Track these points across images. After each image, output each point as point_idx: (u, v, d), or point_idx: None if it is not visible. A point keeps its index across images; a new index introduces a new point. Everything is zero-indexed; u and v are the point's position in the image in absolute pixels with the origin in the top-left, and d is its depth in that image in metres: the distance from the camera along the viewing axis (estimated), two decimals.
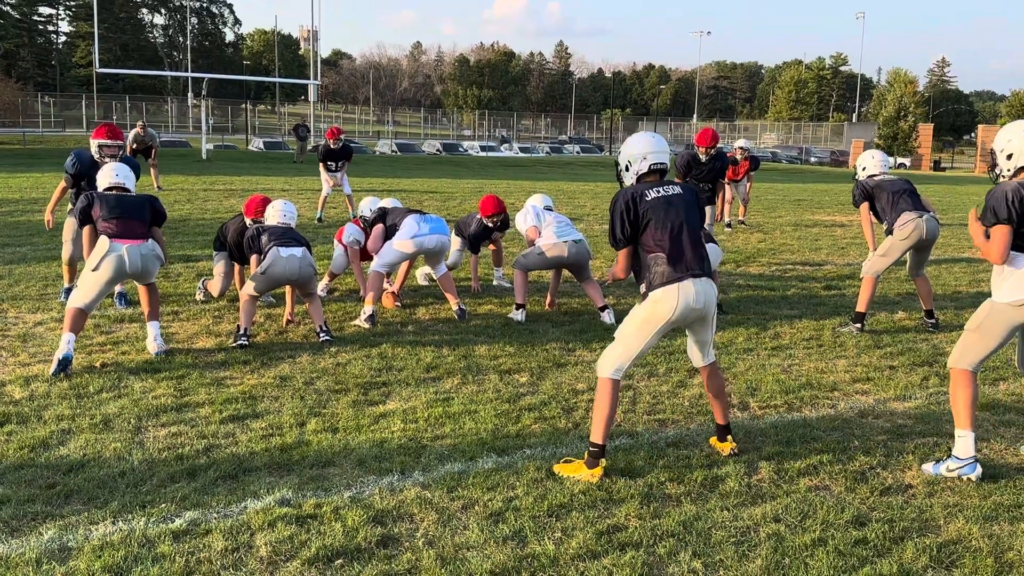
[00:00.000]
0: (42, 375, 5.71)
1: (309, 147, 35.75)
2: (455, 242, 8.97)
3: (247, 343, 6.47)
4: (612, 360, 4.36)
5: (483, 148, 55.27)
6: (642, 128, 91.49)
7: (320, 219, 14.56)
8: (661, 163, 4.46)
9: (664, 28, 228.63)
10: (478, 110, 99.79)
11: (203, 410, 5.16)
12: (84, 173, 7.56)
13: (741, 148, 15.41)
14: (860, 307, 7.39)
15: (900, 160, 60.67)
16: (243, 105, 69.63)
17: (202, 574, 3.36)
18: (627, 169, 4.51)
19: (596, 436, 4.29)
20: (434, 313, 7.85)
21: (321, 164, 15.04)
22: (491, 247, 9.25)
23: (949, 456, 4.39)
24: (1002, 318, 4.31)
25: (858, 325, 7.36)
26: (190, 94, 58.76)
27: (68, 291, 8.11)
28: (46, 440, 4.63)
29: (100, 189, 6.50)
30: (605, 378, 4.35)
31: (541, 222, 7.87)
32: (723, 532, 3.75)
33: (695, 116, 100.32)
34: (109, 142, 7.53)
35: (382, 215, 7.95)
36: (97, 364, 5.97)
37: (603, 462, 4.28)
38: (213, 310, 7.66)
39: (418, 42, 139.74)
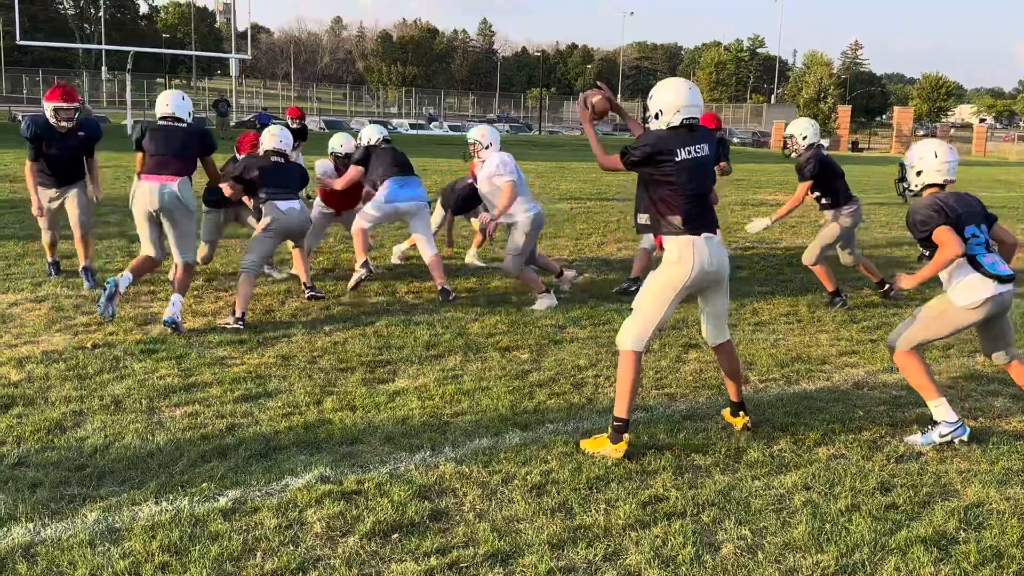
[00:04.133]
0: (34, 356, 5.55)
1: (232, 123, 35.03)
2: (436, 215, 8.85)
3: (243, 327, 6.38)
4: (633, 332, 4.34)
5: (412, 126, 54.85)
6: (569, 107, 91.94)
7: None
8: (694, 118, 4.36)
9: (585, 7, 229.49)
10: (403, 87, 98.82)
11: (213, 390, 5.09)
12: (43, 136, 7.29)
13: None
14: (829, 287, 7.66)
15: (820, 141, 62.38)
16: (160, 80, 67.56)
17: (262, 551, 3.36)
18: (656, 117, 4.37)
19: (620, 410, 4.31)
20: (416, 291, 7.85)
21: None
22: (478, 228, 8.44)
23: (936, 424, 4.59)
24: (955, 319, 4.53)
25: (840, 301, 7.61)
26: (103, 68, 56.66)
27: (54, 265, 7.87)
28: (60, 422, 4.52)
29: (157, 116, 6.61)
30: (627, 351, 4.33)
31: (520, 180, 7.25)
32: (760, 500, 3.90)
33: (619, 95, 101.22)
34: (65, 104, 7.21)
35: (365, 157, 7.75)
36: (88, 345, 5.82)
37: (627, 437, 4.28)
38: (193, 289, 7.50)
39: (338, 17, 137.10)
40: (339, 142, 8.32)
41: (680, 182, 4.26)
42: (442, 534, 3.54)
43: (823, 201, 7.68)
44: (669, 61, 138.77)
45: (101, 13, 77.33)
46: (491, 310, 7.22)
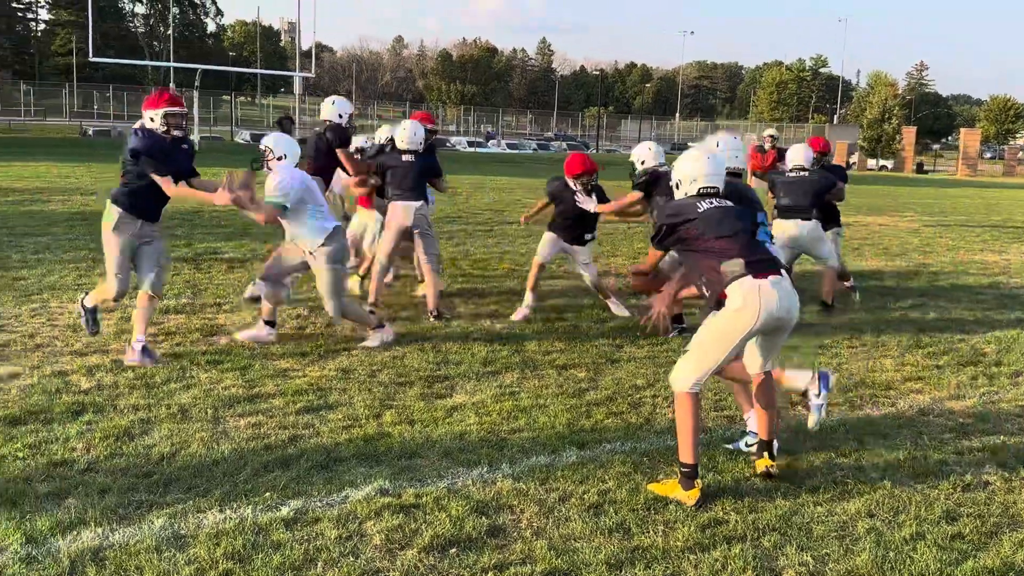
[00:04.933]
0: (103, 365, 5.70)
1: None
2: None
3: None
4: (688, 374, 4.11)
5: (470, 144, 55.29)
6: (627, 127, 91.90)
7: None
8: (713, 187, 4.34)
9: (646, 27, 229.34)
10: (462, 105, 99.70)
11: (275, 401, 5.19)
12: (158, 148, 5.87)
13: (771, 136, 13.86)
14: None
15: (883, 163, 61.32)
16: (226, 97, 69.19)
17: (323, 562, 3.40)
18: (677, 187, 4.43)
19: (685, 455, 4.06)
20: (474, 308, 7.89)
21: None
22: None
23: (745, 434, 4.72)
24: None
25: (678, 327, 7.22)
26: (172, 85, 58.25)
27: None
28: (129, 430, 4.63)
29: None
30: (683, 393, 4.10)
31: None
32: (823, 527, 3.84)
33: (677, 115, 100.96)
34: (176, 109, 5.96)
35: (382, 169, 7.71)
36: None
37: (698, 483, 4.03)
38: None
39: (400, 36, 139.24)
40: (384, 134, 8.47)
41: (711, 227, 4.16)
42: (499, 550, 3.55)
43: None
44: (729, 80, 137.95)
45: (170, 31, 79.45)
46: (548, 328, 7.23)
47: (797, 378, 4.55)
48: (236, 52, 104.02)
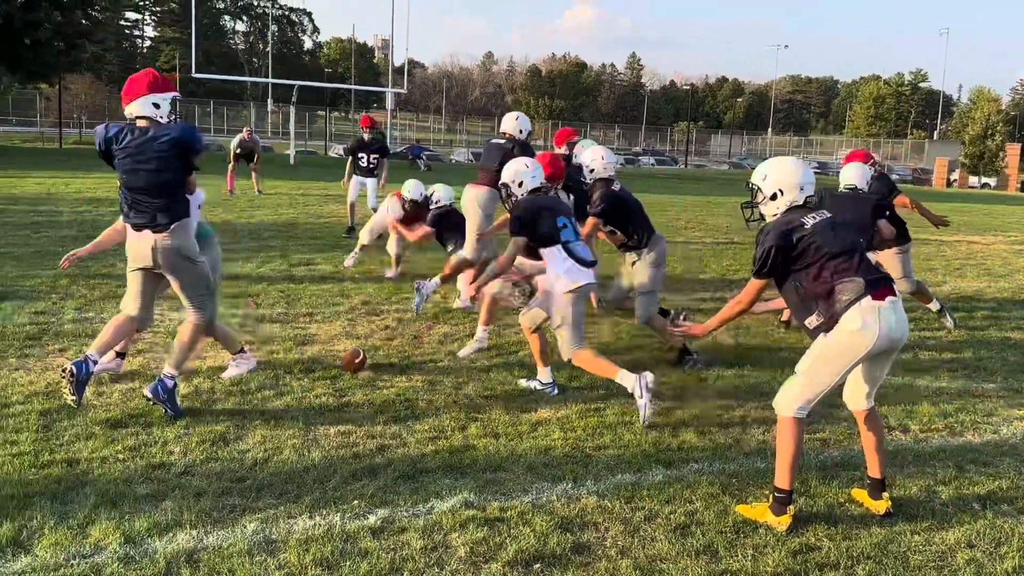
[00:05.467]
0: (200, 371, 5.89)
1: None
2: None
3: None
4: (795, 397, 3.95)
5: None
6: (717, 142, 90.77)
7: (352, 227, 12.57)
8: (814, 197, 4.12)
9: (738, 40, 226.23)
10: (550, 120, 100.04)
11: (364, 411, 5.27)
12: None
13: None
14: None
15: (985, 180, 59.04)
16: (321, 112, 70.94)
17: (408, 571, 3.43)
18: (774, 197, 4.10)
19: (781, 481, 3.94)
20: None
21: (349, 162, 12.69)
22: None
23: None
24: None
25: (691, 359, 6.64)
26: (269, 100, 59.99)
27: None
28: (224, 435, 4.77)
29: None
30: (787, 417, 3.95)
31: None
32: (920, 556, 3.70)
33: (769, 130, 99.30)
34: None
35: (437, 220, 8.64)
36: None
37: (791, 509, 3.92)
38: (347, 311, 7.82)
39: (490, 52, 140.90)
40: (414, 189, 9.32)
41: (826, 241, 3.91)
42: (583, 568, 3.52)
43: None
44: (824, 95, 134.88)
45: (269, 49, 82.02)
46: (635, 344, 7.16)
47: (627, 379, 5.30)
48: (331, 69, 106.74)
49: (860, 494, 4.25)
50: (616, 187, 6.66)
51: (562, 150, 8.72)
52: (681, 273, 11.02)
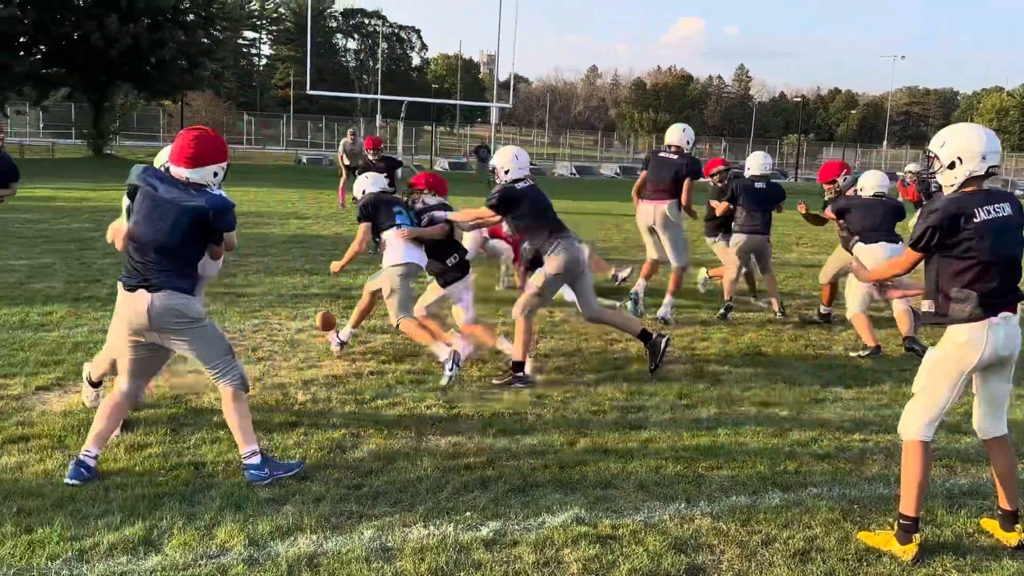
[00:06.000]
0: (317, 379, 6.06)
1: (489, 168, 36.93)
2: None
3: (528, 382, 6.19)
4: (919, 419, 3.84)
5: None
6: (828, 156, 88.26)
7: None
8: (997, 166, 3.83)
9: (851, 52, 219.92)
10: (654, 133, 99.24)
11: (474, 422, 5.32)
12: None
13: (910, 172, 13.90)
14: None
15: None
16: (427, 127, 72.26)
17: None
18: (952, 166, 3.78)
19: (907, 507, 3.81)
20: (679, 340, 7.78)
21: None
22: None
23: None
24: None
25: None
26: (378, 116, 61.47)
27: None
28: (340, 442, 4.89)
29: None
30: (913, 441, 3.83)
31: None
32: None
33: (884, 143, 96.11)
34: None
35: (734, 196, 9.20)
36: (364, 372, 6.26)
37: (917, 538, 3.78)
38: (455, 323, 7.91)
39: (594, 66, 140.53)
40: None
41: (982, 248, 3.69)
42: None
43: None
44: (943, 107, 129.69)
45: (379, 66, 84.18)
46: (746, 362, 7.02)
47: (441, 350, 6.11)
48: (438, 84, 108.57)
49: (990, 524, 4.07)
50: (520, 185, 6.57)
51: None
52: (793, 290, 10.75)
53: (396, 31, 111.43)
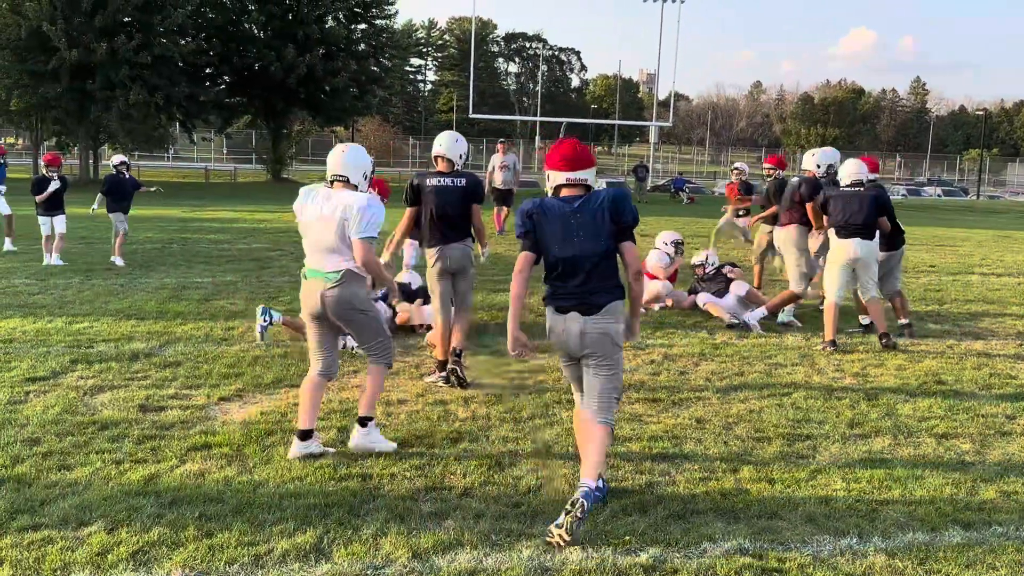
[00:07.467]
0: (477, 397, 6.16)
1: (648, 188, 36.60)
2: None
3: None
4: None
5: None
6: (1014, 172, 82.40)
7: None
8: None
9: None
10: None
11: (632, 445, 5.26)
12: None
13: (736, 169, 14.28)
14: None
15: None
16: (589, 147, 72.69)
17: None
18: None
19: None
20: (837, 363, 7.45)
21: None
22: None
23: None
24: None
25: None
26: (537, 137, 62.23)
27: None
28: (499, 460, 4.94)
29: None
30: None
31: None
32: None
33: None
34: None
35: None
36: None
37: None
38: None
39: (758, 81, 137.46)
40: None
41: None
42: None
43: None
44: None
45: (539, 87, 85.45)
46: (923, 390, 6.62)
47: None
48: (596, 104, 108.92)
49: None
50: (431, 181, 6.57)
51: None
52: (982, 311, 10.07)
53: (556, 53, 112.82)
